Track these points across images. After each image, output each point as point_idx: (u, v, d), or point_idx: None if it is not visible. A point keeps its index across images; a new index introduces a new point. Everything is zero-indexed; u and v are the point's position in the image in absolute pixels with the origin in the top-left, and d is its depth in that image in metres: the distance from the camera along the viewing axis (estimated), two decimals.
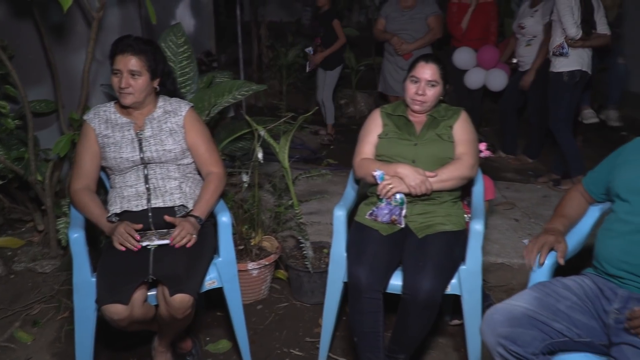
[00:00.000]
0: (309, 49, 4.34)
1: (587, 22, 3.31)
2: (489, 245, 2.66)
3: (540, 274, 1.59)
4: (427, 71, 1.94)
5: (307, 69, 4.45)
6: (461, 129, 1.99)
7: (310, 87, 5.70)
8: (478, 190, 2.12)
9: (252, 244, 2.39)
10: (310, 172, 2.40)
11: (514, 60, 4.09)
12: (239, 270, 2.30)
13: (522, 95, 4.03)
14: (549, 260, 1.59)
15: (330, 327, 2.01)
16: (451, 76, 4.39)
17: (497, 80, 4.09)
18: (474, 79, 4.21)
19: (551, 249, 1.58)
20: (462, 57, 4.15)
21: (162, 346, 1.93)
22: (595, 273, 1.52)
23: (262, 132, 2.09)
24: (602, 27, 3.37)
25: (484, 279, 2.58)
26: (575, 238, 1.71)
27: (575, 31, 3.27)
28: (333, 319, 2.00)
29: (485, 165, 4.14)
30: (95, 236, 2.21)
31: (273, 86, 5.91)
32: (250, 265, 2.33)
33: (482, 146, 2.24)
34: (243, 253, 2.37)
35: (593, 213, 1.75)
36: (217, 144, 2.47)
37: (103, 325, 1.78)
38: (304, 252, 2.35)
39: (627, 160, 1.58)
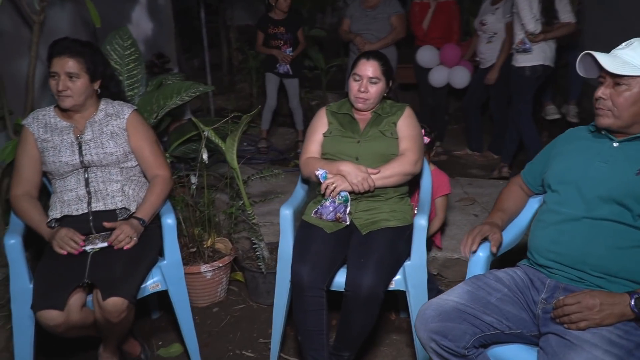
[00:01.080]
0: (289, 50, 4.33)
1: (547, 11, 3.31)
2: (446, 241, 2.67)
3: (476, 266, 1.60)
4: (368, 68, 1.94)
5: (281, 70, 4.39)
6: (405, 125, 1.99)
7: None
8: (425, 186, 2.13)
9: (205, 246, 2.37)
10: (262, 172, 2.39)
11: (477, 58, 4.13)
12: (192, 273, 2.30)
13: (486, 92, 4.07)
14: (484, 253, 1.60)
15: (280, 326, 2.00)
16: (416, 74, 4.49)
17: (460, 77, 4.12)
18: (438, 77, 4.24)
19: (485, 239, 1.59)
20: (425, 55, 4.18)
21: (108, 352, 1.90)
22: (528, 264, 1.54)
23: (207, 133, 2.08)
24: (565, 16, 3.33)
25: (441, 274, 2.60)
26: (514, 230, 1.73)
27: (533, 26, 3.29)
28: (283, 318, 1.99)
29: (450, 163, 4.21)
30: (42, 243, 2.17)
31: (243, 89, 5.89)
32: (204, 268, 2.31)
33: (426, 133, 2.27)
34: (196, 255, 2.35)
35: (532, 205, 1.77)
36: (169, 146, 2.45)
37: (46, 333, 1.74)
38: (257, 253, 2.34)
39: (559, 152, 1.59)
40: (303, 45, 4.48)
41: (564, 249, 1.40)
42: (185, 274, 2.03)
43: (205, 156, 2.10)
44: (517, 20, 3.40)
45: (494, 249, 1.57)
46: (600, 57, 1.40)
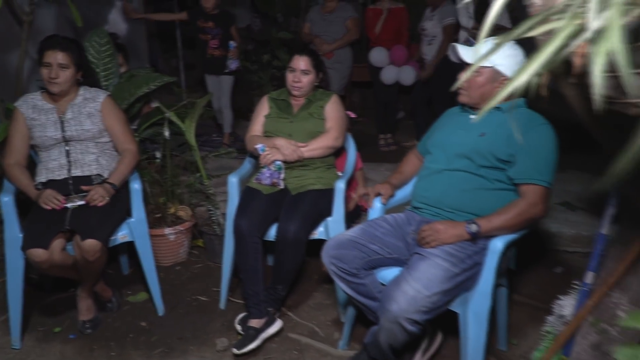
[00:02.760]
0: (232, 44, 4.47)
1: (481, 12, 3.82)
2: None
3: (373, 213, 2.06)
4: (301, 62, 2.40)
5: (230, 68, 4.55)
6: (331, 109, 2.45)
7: (252, 88, 6.12)
8: (349, 158, 2.59)
9: (168, 212, 2.80)
10: (218, 150, 2.83)
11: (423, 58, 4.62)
12: (157, 235, 2.73)
13: (430, 89, 4.55)
14: (379, 204, 2.06)
15: (228, 271, 2.42)
16: (370, 73, 4.96)
17: (407, 76, 4.60)
18: (388, 75, 4.71)
19: (379, 194, 2.05)
20: (376, 56, 4.65)
21: (84, 292, 2.31)
22: (409, 209, 2.00)
23: (168, 114, 2.51)
24: (505, 21, 3.84)
25: None
26: (408, 188, 2.18)
27: (466, 20, 3.79)
28: (230, 264, 2.40)
29: (399, 152, 4.68)
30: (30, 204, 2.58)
31: None
32: (167, 231, 2.73)
33: (351, 113, 2.74)
34: (161, 220, 2.78)
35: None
36: (139, 128, 2.87)
37: (35, 282, 2.14)
38: (213, 218, 2.77)
39: (438, 126, 2.06)
40: (238, 43, 4.53)
41: (429, 194, 1.87)
42: (151, 235, 2.47)
43: (167, 133, 2.53)
44: (461, 21, 3.90)
45: (384, 200, 2.04)
46: (462, 49, 1.86)
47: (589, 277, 1.60)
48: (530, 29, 0.66)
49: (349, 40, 4.63)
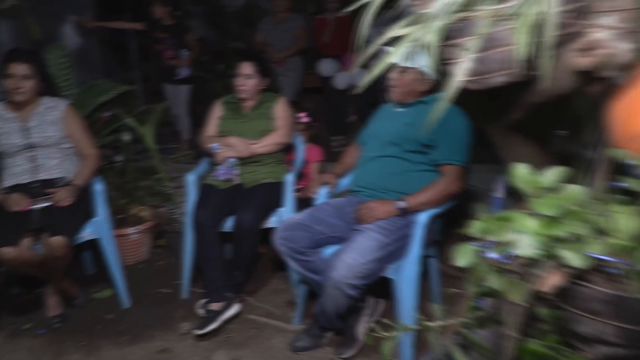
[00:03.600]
0: (184, 52, 4.55)
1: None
2: None
3: (320, 199, 2.30)
4: (244, 68, 2.63)
5: (181, 75, 4.55)
6: (279, 110, 2.69)
7: (209, 97, 6.30)
8: (298, 154, 2.82)
9: (130, 213, 2.96)
10: (175, 153, 3.01)
11: None
12: (120, 235, 2.88)
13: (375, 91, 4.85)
14: (324, 191, 2.30)
15: (189, 263, 2.60)
16: (321, 80, 5.23)
17: (360, 79, 4.89)
18: (341, 80, 4.99)
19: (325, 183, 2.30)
20: (325, 67, 4.95)
21: (52, 289, 2.45)
22: (352, 194, 2.25)
23: (127, 120, 2.69)
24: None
25: None
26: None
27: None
28: (191, 256, 2.59)
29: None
30: None
31: None
32: (129, 230, 2.89)
33: (303, 115, 2.97)
34: (123, 221, 2.93)
35: None
36: (99, 136, 3.02)
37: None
38: (174, 217, 2.95)
39: (375, 118, 2.32)
40: (196, 52, 4.71)
41: (365, 178, 2.13)
42: (115, 235, 2.63)
43: (126, 138, 2.70)
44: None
45: (331, 188, 2.29)
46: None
47: None
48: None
49: (299, 49, 4.89)
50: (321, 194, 2.31)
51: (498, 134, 1.15)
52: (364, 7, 1.02)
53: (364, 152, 2.23)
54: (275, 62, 4.85)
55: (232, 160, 2.55)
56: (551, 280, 0.69)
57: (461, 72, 0.88)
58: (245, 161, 2.58)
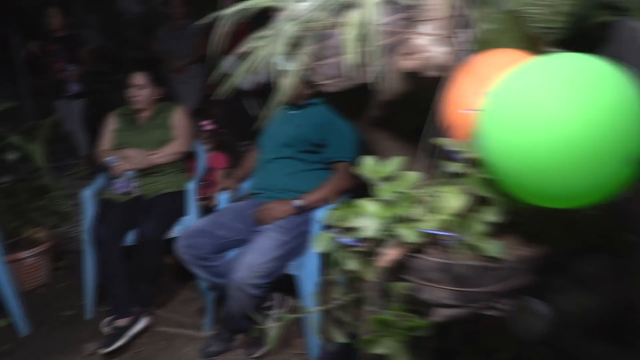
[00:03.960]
0: (70, 67, 4.34)
1: None
2: None
3: (221, 204, 2.33)
4: (136, 78, 2.60)
5: (71, 91, 4.39)
6: (176, 119, 2.68)
7: (108, 108, 6.06)
8: (200, 162, 2.83)
9: (24, 236, 2.80)
10: (73, 169, 2.90)
11: None
12: (14, 260, 2.71)
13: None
14: (225, 196, 2.34)
15: (92, 281, 2.52)
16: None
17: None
18: (246, 84, 5.02)
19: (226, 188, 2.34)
20: (226, 65, 4.94)
21: None
22: (252, 197, 2.30)
23: (12, 139, 2.55)
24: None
25: None
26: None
27: None
28: (93, 274, 2.50)
29: None
30: None
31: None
32: (24, 254, 2.74)
33: (207, 122, 2.98)
34: (16, 245, 2.77)
35: None
36: None
37: None
38: (73, 236, 2.83)
39: (271, 122, 2.39)
40: (87, 65, 4.53)
41: (263, 180, 2.19)
42: (9, 261, 2.48)
43: (12, 156, 2.56)
44: None
45: (232, 193, 2.33)
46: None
47: None
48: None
49: (199, 56, 4.85)
50: (222, 199, 2.34)
51: (366, 130, 1.26)
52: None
53: (262, 155, 2.29)
54: (175, 70, 4.79)
55: (130, 172, 2.50)
56: (389, 256, 0.79)
57: (318, 77, 0.97)
58: (144, 172, 2.54)
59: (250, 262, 1.88)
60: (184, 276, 2.81)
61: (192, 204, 2.55)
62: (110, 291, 2.36)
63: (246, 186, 2.43)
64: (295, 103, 2.22)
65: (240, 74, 1.06)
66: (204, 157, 2.87)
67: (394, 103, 0.97)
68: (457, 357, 1.43)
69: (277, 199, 2.11)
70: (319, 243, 0.85)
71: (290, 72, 1.06)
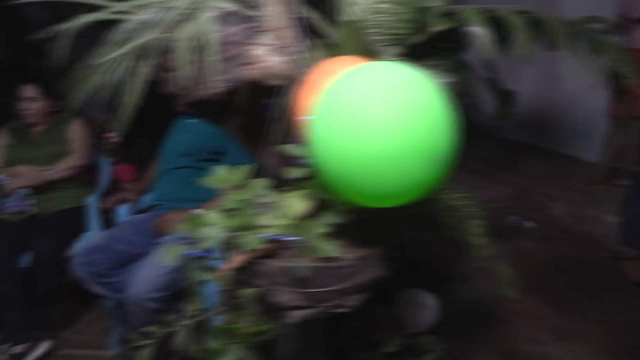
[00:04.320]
0: None
1: None
2: None
3: (120, 217, 2.26)
4: (27, 91, 2.47)
5: None
6: (74, 132, 2.57)
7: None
8: (102, 175, 2.73)
9: None
10: None
11: None
12: None
13: None
14: (124, 210, 2.27)
15: None
16: None
17: None
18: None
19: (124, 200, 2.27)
20: None
21: None
22: (154, 209, 2.25)
23: None
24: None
25: None
26: None
27: None
28: None
29: None
30: None
31: None
32: None
33: (114, 134, 2.89)
34: None
35: None
36: None
37: None
38: None
39: (170, 132, 2.35)
40: None
41: (162, 191, 2.16)
42: None
43: None
44: None
45: (132, 206, 2.27)
46: None
47: None
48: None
49: None
50: (121, 213, 2.27)
51: (237, 136, 1.27)
52: None
53: (161, 165, 2.24)
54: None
55: (22, 190, 2.38)
56: (232, 264, 0.80)
57: (171, 88, 0.97)
58: (39, 189, 2.42)
59: (147, 276, 1.83)
60: (88, 295, 2.71)
61: (94, 219, 2.46)
62: (4, 316, 2.23)
63: (148, 198, 2.37)
64: (190, 112, 2.20)
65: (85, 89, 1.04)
66: (109, 169, 2.77)
67: (248, 110, 0.99)
68: (350, 354, 1.47)
69: (177, 209, 2.08)
70: (167, 256, 0.85)
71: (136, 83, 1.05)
